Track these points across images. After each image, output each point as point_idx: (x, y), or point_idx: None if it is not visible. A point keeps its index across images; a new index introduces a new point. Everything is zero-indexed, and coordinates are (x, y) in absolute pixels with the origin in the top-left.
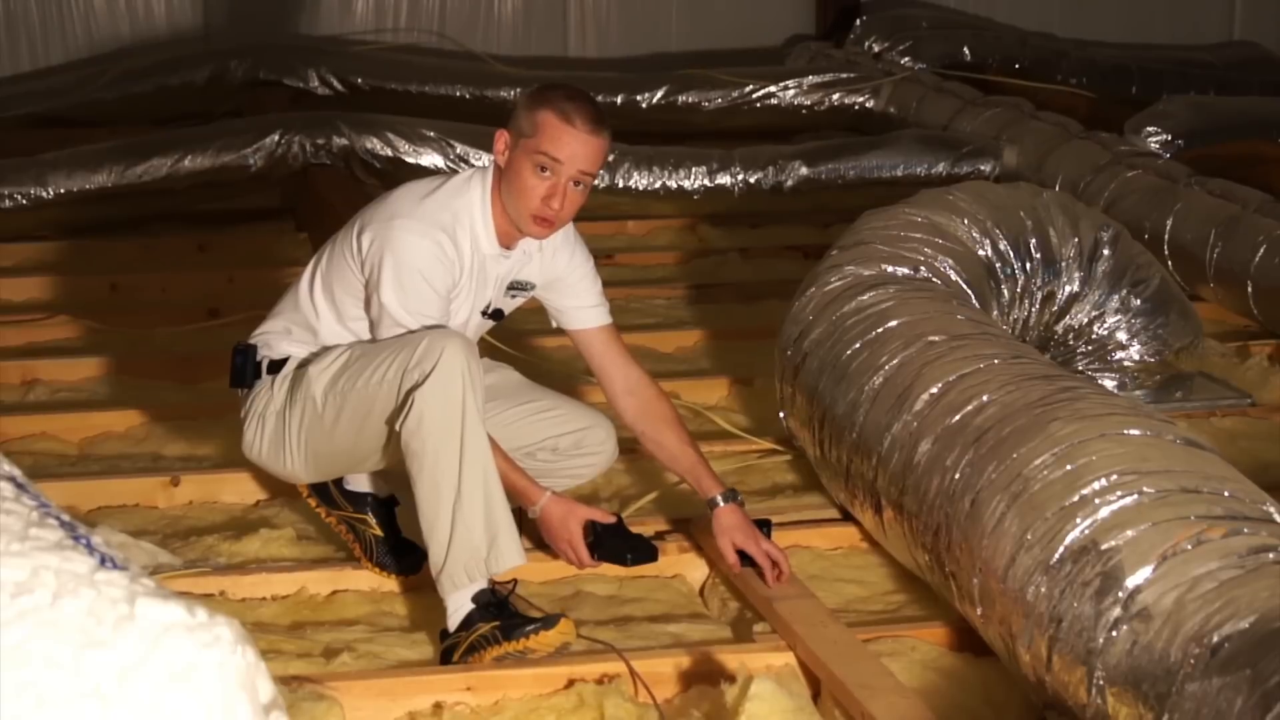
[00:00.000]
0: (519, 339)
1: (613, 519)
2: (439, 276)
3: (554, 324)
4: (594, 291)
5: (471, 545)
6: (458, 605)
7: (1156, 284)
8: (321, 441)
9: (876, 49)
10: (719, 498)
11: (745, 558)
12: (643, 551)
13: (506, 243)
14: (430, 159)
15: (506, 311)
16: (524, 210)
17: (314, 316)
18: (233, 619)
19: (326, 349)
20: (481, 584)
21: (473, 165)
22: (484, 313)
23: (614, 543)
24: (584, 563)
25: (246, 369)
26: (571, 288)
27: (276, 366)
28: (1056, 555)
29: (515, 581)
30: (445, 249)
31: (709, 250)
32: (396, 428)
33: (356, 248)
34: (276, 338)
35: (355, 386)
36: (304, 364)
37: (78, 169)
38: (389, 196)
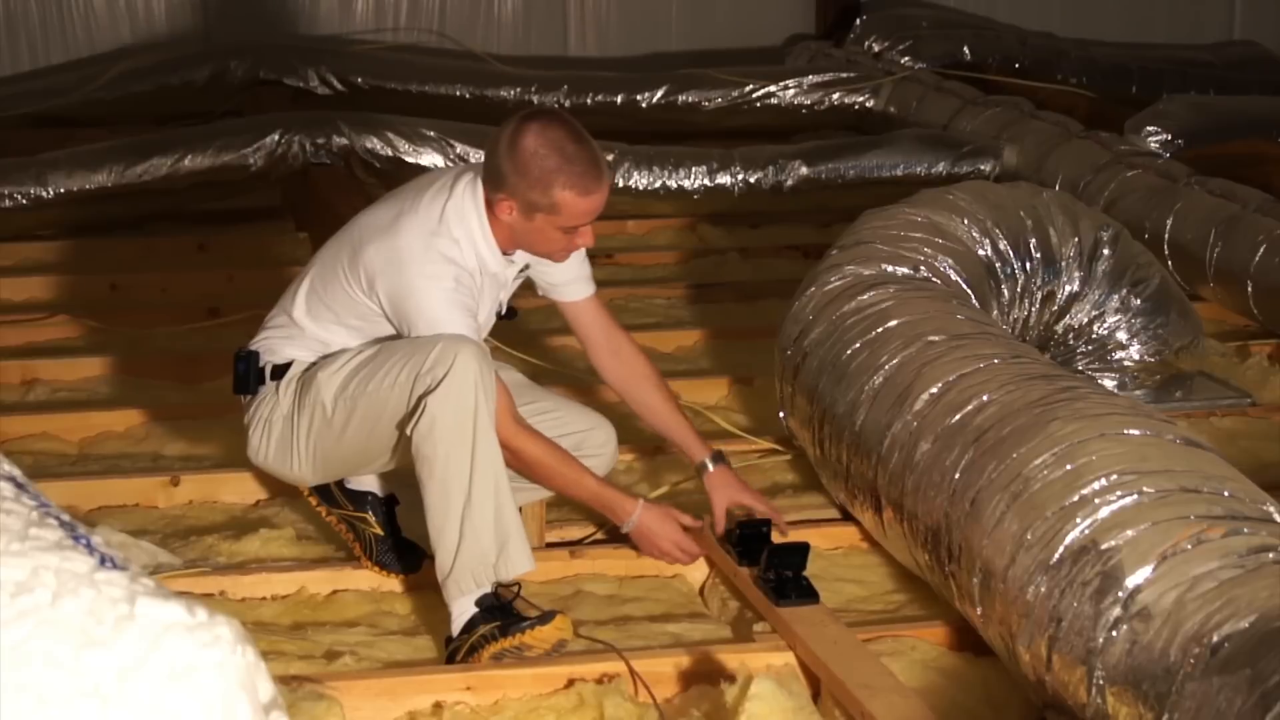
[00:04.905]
0: (519, 338)
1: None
2: (466, 303)
3: (539, 294)
4: (580, 263)
5: (480, 551)
6: (462, 610)
7: (1156, 284)
8: (330, 445)
9: (876, 49)
10: (708, 461)
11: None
12: (804, 592)
13: (507, 250)
14: (430, 159)
15: (513, 304)
16: (551, 253)
17: (317, 329)
18: (233, 619)
19: (335, 353)
20: (486, 589)
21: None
22: (499, 314)
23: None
24: (694, 555)
25: (250, 376)
26: (560, 265)
27: (280, 371)
28: (1056, 555)
29: (519, 585)
30: (464, 281)
31: (709, 250)
32: (408, 432)
33: (368, 290)
34: (279, 343)
35: (366, 390)
36: (312, 367)
37: (78, 169)
38: (393, 232)
